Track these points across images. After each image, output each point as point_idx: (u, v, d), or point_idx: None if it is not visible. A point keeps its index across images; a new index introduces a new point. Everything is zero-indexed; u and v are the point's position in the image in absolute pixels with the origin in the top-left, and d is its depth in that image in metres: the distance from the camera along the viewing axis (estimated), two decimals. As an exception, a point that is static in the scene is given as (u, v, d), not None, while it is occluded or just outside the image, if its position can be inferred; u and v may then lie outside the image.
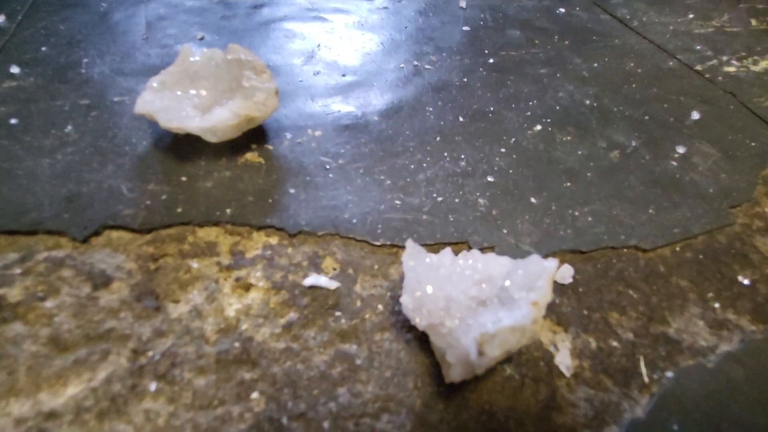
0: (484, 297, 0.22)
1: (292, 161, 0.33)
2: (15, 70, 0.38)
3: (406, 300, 0.21)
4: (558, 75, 0.44)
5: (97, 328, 0.23)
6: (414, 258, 0.22)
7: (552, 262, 0.20)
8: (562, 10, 0.55)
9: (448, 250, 0.23)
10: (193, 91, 0.31)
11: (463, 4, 0.54)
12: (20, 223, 0.27)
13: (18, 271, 0.25)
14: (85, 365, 0.22)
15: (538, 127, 0.38)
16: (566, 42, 0.49)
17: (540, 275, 0.19)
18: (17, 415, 0.20)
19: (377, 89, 0.40)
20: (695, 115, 0.40)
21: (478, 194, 0.32)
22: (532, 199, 0.32)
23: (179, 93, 0.30)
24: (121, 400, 0.21)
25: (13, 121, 0.33)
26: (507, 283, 0.20)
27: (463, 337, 0.19)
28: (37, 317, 0.24)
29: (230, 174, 0.31)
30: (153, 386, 0.21)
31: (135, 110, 0.29)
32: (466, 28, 0.50)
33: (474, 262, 0.22)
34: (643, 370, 0.25)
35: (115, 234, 0.27)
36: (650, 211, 0.32)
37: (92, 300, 0.24)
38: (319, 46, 0.45)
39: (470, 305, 0.21)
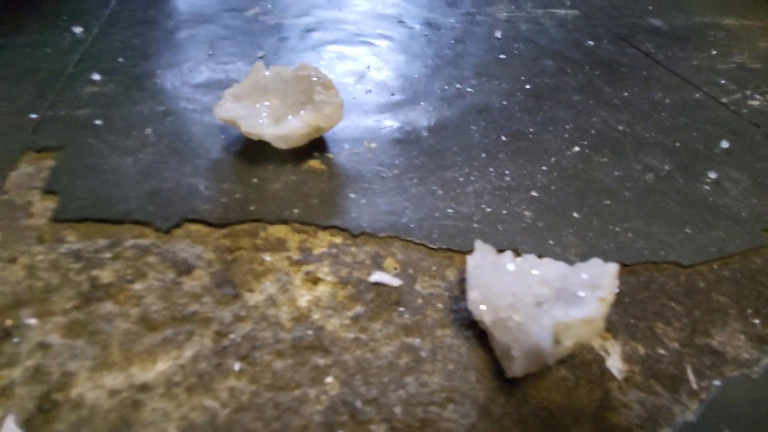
0: (542, 299, 0.23)
1: (351, 169, 0.35)
2: (96, 77, 0.41)
3: (474, 295, 0.23)
4: (591, 102, 0.47)
5: (182, 311, 0.25)
6: (482, 256, 0.23)
7: (613, 265, 0.22)
8: (591, 42, 0.59)
9: (509, 252, 0.25)
10: (266, 103, 0.34)
11: (498, 35, 0.58)
12: (109, 213, 0.29)
13: (108, 255, 0.27)
14: (173, 344, 0.24)
15: (576, 149, 0.40)
16: (596, 72, 0.52)
17: (603, 275, 0.21)
18: (111, 386, 0.22)
19: (424, 108, 0.43)
20: (724, 144, 0.43)
21: (523, 207, 0.34)
22: (575, 214, 0.34)
23: (255, 103, 0.33)
24: (208, 377, 0.23)
25: (98, 122, 0.36)
26: (568, 284, 0.22)
27: (534, 329, 0.20)
28: (126, 298, 0.26)
29: (296, 178, 0.34)
30: (237, 366, 0.23)
31: (217, 116, 0.32)
32: (502, 56, 0.53)
33: (533, 264, 0.24)
34: (691, 377, 0.26)
35: (193, 227, 0.30)
36: (687, 230, 0.34)
37: (177, 285, 0.26)
38: (368, 67, 0.48)
39: (533, 303, 0.23)
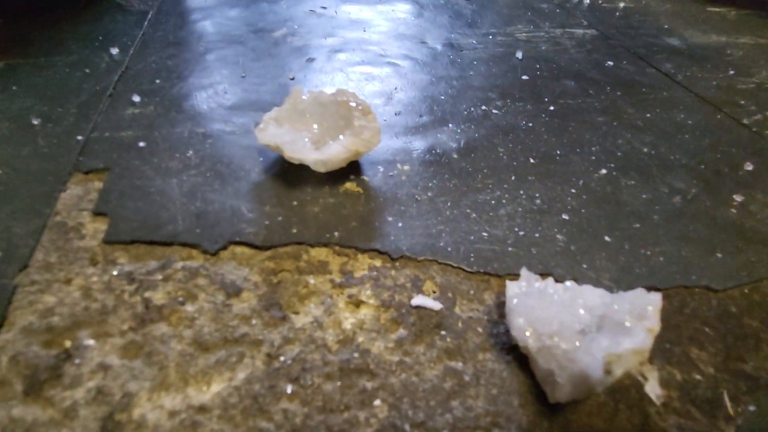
0: (584, 326, 0.24)
1: (386, 192, 0.36)
2: (136, 98, 0.43)
3: (520, 322, 0.23)
4: (615, 123, 0.48)
5: (233, 333, 0.26)
6: (528, 283, 0.24)
7: (657, 295, 0.22)
8: (611, 63, 0.60)
9: (551, 279, 0.25)
10: (305, 127, 0.35)
11: (519, 55, 0.59)
12: (158, 235, 0.31)
13: (159, 277, 0.28)
14: (226, 365, 0.25)
15: (603, 171, 0.41)
16: (618, 93, 0.53)
17: (647, 304, 0.22)
18: (170, 407, 0.23)
19: (452, 130, 0.44)
20: (748, 166, 0.43)
21: (555, 230, 0.35)
22: (606, 238, 0.35)
23: (295, 128, 0.34)
24: (262, 399, 0.23)
25: (141, 144, 0.38)
26: (611, 312, 0.23)
27: (584, 357, 0.21)
28: (179, 319, 0.27)
29: (334, 201, 0.35)
30: (289, 388, 0.24)
31: (261, 141, 0.33)
32: (525, 77, 0.55)
33: (576, 291, 0.25)
34: (728, 402, 0.26)
35: (238, 249, 0.31)
36: (717, 254, 0.35)
37: (227, 307, 0.27)
38: (396, 88, 0.49)
39: (577, 331, 0.23)
